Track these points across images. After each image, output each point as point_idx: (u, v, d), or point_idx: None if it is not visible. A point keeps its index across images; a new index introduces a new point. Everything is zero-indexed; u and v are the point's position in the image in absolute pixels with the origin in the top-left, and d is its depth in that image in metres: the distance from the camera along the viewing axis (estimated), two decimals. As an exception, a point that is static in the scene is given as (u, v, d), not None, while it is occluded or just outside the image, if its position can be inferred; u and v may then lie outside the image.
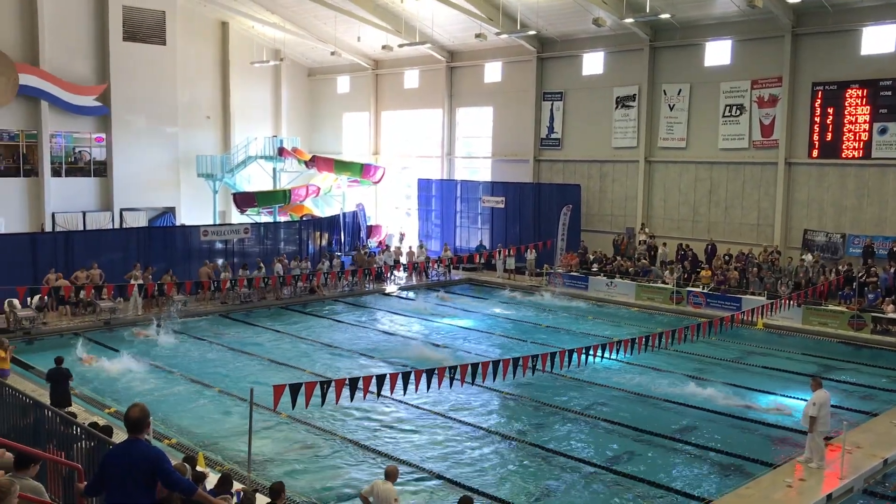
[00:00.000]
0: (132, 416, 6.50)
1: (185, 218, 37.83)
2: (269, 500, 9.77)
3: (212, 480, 10.31)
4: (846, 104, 26.72)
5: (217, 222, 38.16)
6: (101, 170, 36.61)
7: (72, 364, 17.73)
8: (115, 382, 18.32)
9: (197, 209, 39.38)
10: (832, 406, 13.79)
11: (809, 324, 24.50)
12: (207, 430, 15.36)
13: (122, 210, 36.48)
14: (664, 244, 30.36)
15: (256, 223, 34.32)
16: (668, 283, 28.06)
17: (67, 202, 35.14)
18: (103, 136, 36.43)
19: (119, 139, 36.46)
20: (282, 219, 37.73)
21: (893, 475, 13.17)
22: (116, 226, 35.31)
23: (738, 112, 29.34)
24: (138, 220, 36.24)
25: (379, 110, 43.27)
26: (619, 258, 30.59)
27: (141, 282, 25.03)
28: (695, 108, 30.65)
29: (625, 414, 16.53)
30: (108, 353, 20.88)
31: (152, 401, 16.86)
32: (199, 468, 10.93)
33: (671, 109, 31.24)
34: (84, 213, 35.41)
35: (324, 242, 34.04)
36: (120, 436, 11.62)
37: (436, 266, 33.49)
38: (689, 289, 27.60)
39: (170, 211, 38.35)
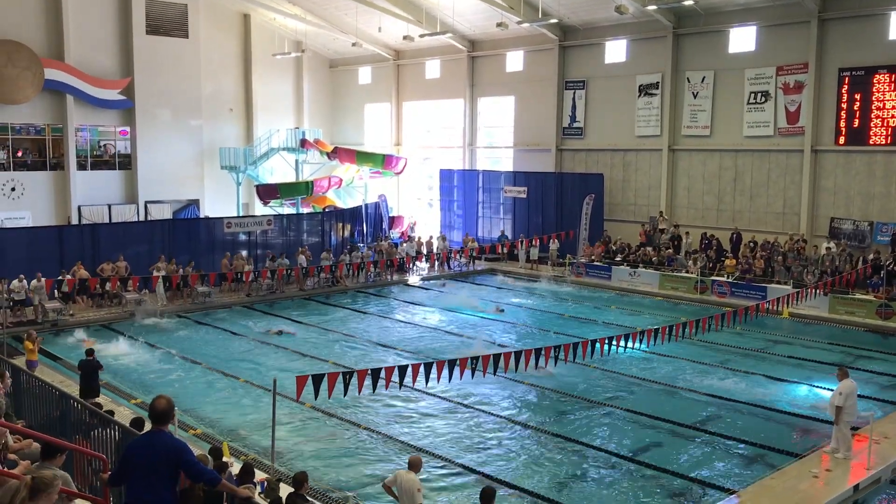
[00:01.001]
0: (159, 406, 6.53)
1: (208, 210, 38.09)
2: (292, 489, 9.83)
3: (235, 470, 10.39)
4: (874, 90, 26.28)
5: (240, 214, 38.38)
6: (126, 163, 36.94)
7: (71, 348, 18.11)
8: (140, 373, 18.54)
9: (220, 201, 39.65)
10: (859, 396, 13.62)
11: (836, 313, 24.21)
12: (232, 420, 15.49)
13: (146, 203, 36.81)
14: (686, 233, 30.10)
15: (279, 215, 34.49)
16: (692, 273, 27.84)
17: (93, 195, 35.52)
18: (128, 129, 36.75)
19: (143, 132, 36.77)
20: (304, 210, 37.89)
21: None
22: (141, 218, 35.65)
23: (764, 99, 28.98)
24: (163, 213, 36.59)
25: (400, 101, 43.24)
26: (645, 248, 30.33)
27: (164, 273, 25.26)
28: (719, 95, 30.31)
29: (648, 404, 16.44)
30: (128, 341, 21.15)
31: (177, 391, 17.07)
32: (224, 458, 11.03)
33: (695, 97, 30.91)
34: (109, 206, 35.77)
35: (346, 234, 34.13)
36: (147, 427, 11.78)
37: (458, 257, 33.47)
38: (713, 278, 27.37)
39: (194, 203, 38.64)
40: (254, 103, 42.79)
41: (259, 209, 39.30)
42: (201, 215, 36.90)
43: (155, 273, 25.17)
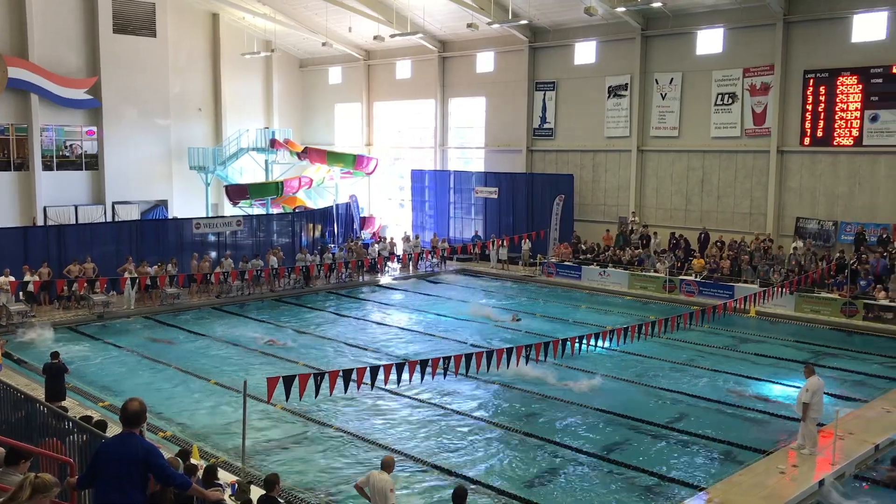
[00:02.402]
0: (131, 409, 6.46)
1: (177, 211, 37.74)
2: (263, 491, 9.78)
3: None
4: (838, 92, 26.75)
5: (209, 215, 38.07)
6: (93, 163, 36.46)
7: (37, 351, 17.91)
8: (108, 376, 18.31)
9: (189, 202, 39.28)
10: (825, 393, 13.86)
11: (802, 311, 24.60)
12: (201, 422, 15.37)
13: (114, 203, 36.37)
14: (655, 233, 30.41)
15: (249, 215, 34.27)
16: (660, 273, 28.12)
17: (59, 196, 35.01)
18: (94, 129, 36.27)
19: (110, 132, 36.32)
20: (274, 211, 37.68)
21: (885, 461, 13.24)
22: (109, 219, 35.20)
23: (731, 100, 29.36)
24: (131, 214, 36.18)
25: (371, 101, 43.17)
26: (615, 249, 30.56)
27: (135, 275, 25.00)
28: (687, 96, 30.66)
29: (618, 402, 16.57)
30: (100, 345, 20.90)
31: (146, 393, 16.87)
32: (193, 461, 10.94)
33: (663, 98, 31.23)
34: (76, 207, 35.29)
35: (317, 234, 33.99)
36: (115, 430, 11.64)
37: (428, 257, 33.49)
38: (681, 277, 27.67)
39: (162, 204, 38.26)
40: (223, 103, 42.46)
41: (228, 210, 39.00)
42: (170, 216, 36.55)
43: (126, 275, 24.88)
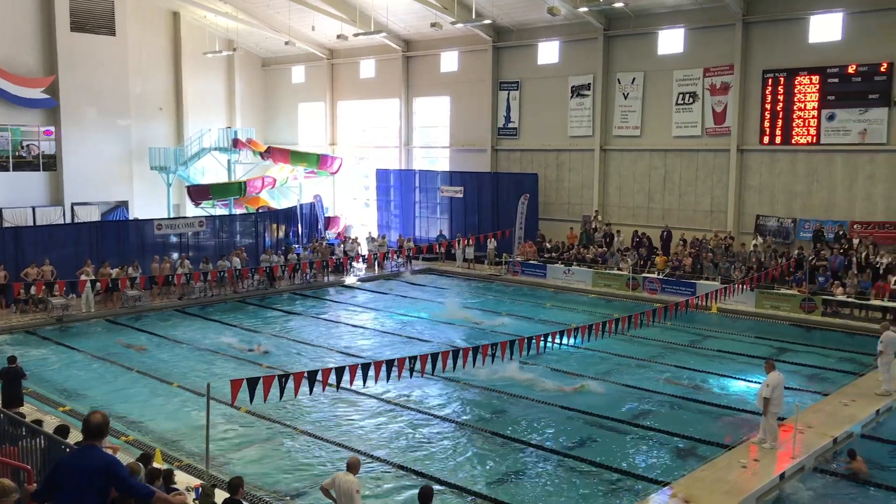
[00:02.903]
0: (93, 421, 6.34)
1: (138, 212, 37.22)
2: (227, 494, 9.68)
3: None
4: (795, 91, 27.22)
5: (171, 216, 37.58)
6: (51, 163, 35.78)
7: None
8: (68, 380, 17.99)
9: (150, 203, 38.75)
10: (785, 387, 14.09)
11: (762, 307, 25.00)
12: (164, 425, 15.17)
13: (73, 204, 35.73)
14: (618, 231, 30.71)
15: (212, 216, 33.89)
16: (624, 270, 28.38)
17: (16, 197, 34.27)
18: (52, 129, 35.59)
19: (69, 132, 35.68)
20: (237, 211, 37.33)
21: (842, 453, 13.50)
22: (68, 221, 34.57)
23: (691, 100, 29.73)
24: (90, 215, 35.54)
25: (335, 100, 42.97)
26: (581, 247, 30.78)
27: (93, 277, 24.59)
28: (649, 96, 30.97)
29: (583, 400, 16.69)
30: (59, 349, 20.54)
31: (107, 397, 16.67)
32: (156, 465, 10.80)
33: (625, 98, 31.52)
34: (33, 209, 34.56)
35: (281, 234, 33.73)
36: (76, 436, 11.44)
37: (394, 257, 33.43)
38: (644, 275, 27.96)
39: (123, 205, 37.68)
40: (184, 102, 41.96)
41: (190, 210, 38.54)
42: (130, 217, 36.03)
43: (83, 277, 24.46)
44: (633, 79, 31.17)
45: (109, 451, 10.29)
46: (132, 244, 28.22)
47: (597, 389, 17.37)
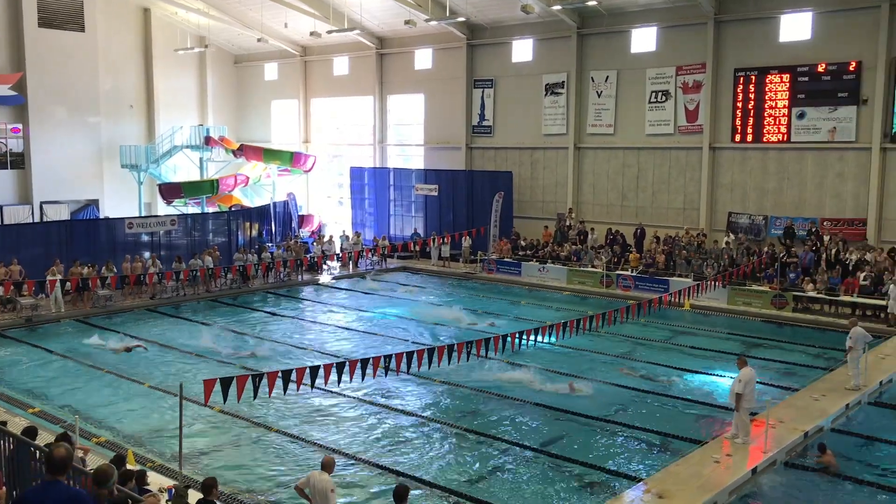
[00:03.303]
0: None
1: (109, 210, 36.77)
2: (201, 495, 9.59)
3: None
4: (766, 90, 27.51)
5: (143, 214, 37.16)
6: (19, 161, 35.24)
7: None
8: (38, 381, 17.72)
9: (121, 201, 38.26)
10: (757, 383, 14.23)
11: (734, 304, 25.24)
12: (136, 426, 15.00)
13: (42, 203, 35.24)
14: (592, 229, 30.87)
15: (184, 214, 33.56)
16: (598, 268, 28.53)
17: (-18, 196, 33.79)
18: (20, 126, 35.03)
19: (37, 130, 35.16)
20: (210, 210, 37.00)
21: (813, 447, 13.67)
22: (36, 220, 34.06)
23: (664, 98, 29.93)
24: (60, 214, 35.09)
25: (308, 98, 42.74)
26: (554, 245, 30.89)
27: (62, 277, 24.25)
28: (622, 94, 31.13)
29: (557, 397, 16.73)
30: (28, 350, 20.24)
31: (78, 398, 16.47)
32: (128, 466, 10.67)
33: (599, 96, 31.66)
34: (1, 207, 34.04)
35: (254, 233, 33.49)
36: (45, 437, 11.28)
37: (370, 255, 33.33)
38: (618, 272, 28.12)
39: (93, 203, 37.24)
40: (155, 100, 41.51)
41: (162, 209, 38.14)
42: (101, 216, 35.59)
43: (50, 277, 24.10)
44: (607, 77, 31.31)
45: (80, 453, 10.17)
46: (103, 243, 27.87)
47: (568, 386, 17.41)
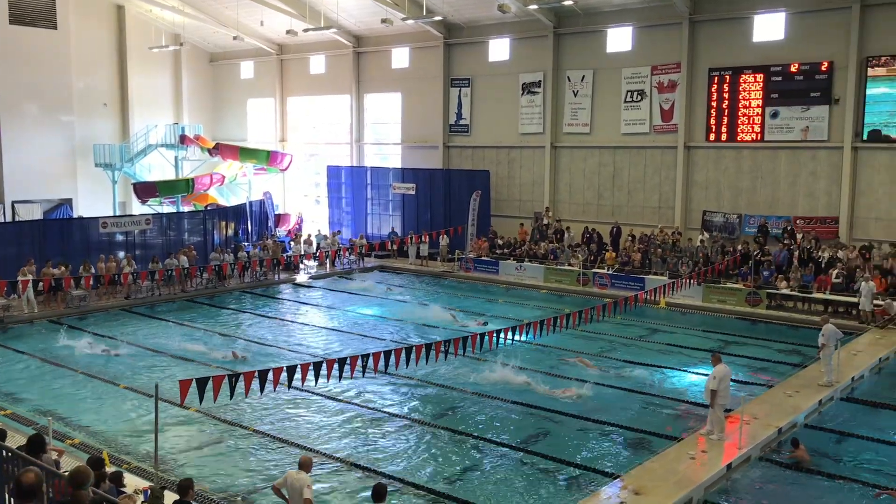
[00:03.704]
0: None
1: (82, 210, 36.33)
2: (177, 496, 9.53)
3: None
4: (740, 89, 27.78)
5: (117, 213, 36.80)
6: (-10, 160, 34.78)
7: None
8: (10, 383, 17.49)
9: (95, 200, 37.85)
10: (732, 380, 14.38)
11: (709, 301, 25.48)
12: (112, 427, 14.86)
13: (14, 203, 34.76)
14: (568, 228, 31.01)
15: (159, 214, 33.29)
16: (574, 266, 28.67)
17: (-47, 195, 33.29)
18: (-9, 125, 34.60)
19: (9, 128, 34.69)
20: (185, 209, 36.72)
21: (786, 443, 13.84)
22: (8, 219, 33.61)
23: (640, 97, 30.13)
24: (32, 213, 34.63)
25: (285, 96, 42.55)
26: (533, 243, 30.99)
27: (33, 277, 23.95)
28: (598, 93, 31.30)
29: (535, 395, 16.80)
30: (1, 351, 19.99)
31: (51, 399, 16.29)
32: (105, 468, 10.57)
33: (575, 95, 31.80)
34: (-28, 207, 33.63)
35: (230, 232, 33.27)
36: (15, 440, 11.15)
37: (347, 254, 33.25)
38: (594, 270, 28.28)
39: (66, 203, 36.80)
40: (130, 98, 41.13)
41: (137, 208, 37.80)
42: (75, 215, 35.18)
43: (22, 277, 23.78)
44: (583, 76, 31.46)
45: (55, 455, 10.07)
46: (77, 243, 27.56)
47: (548, 384, 17.48)
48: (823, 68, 26.14)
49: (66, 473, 7.26)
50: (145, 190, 36.69)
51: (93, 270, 25.23)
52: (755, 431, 13.91)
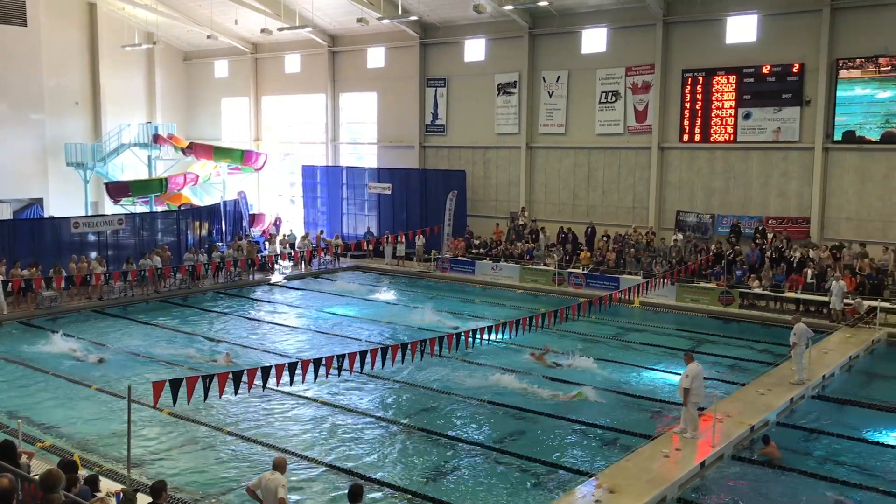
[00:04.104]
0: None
1: (53, 209, 35.91)
2: (150, 499, 9.44)
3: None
4: (714, 90, 28.04)
5: (89, 213, 36.37)
6: (-41, 160, 34.25)
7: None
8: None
9: (67, 200, 37.40)
10: (705, 378, 14.51)
11: (683, 301, 25.69)
12: (84, 430, 14.69)
13: (-17, 202, 34.30)
14: (543, 228, 31.13)
15: (131, 214, 32.95)
16: (550, 266, 28.79)
17: (-80, 195, 32.74)
18: (-41, 123, 34.08)
19: (-23, 127, 34.22)
20: (159, 209, 36.39)
21: (758, 440, 13.99)
22: (-23, 219, 33.12)
23: (614, 98, 30.31)
24: (2, 213, 34.13)
25: (259, 95, 42.30)
26: (508, 243, 31.06)
27: (3, 278, 23.62)
28: (573, 94, 31.44)
29: (510, 393, 16.84)
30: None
31: (21, 401, 16.07)
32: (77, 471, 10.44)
33: (550, 96, 31.93)
34: (-60, 207, 33.10)
35: (204, 232, 33.00)
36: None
37: (322, 255, 33.12)
38: (570, 270, 28.41)
39: (37, 202, 36.34)
40: (102, 97, 40.68)
41: (109, 208, 37.39)
42: (45, 215, 34.74)
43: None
44: (558, 77, 31.60)
45: (25, 458, 9.94)
46: (48, 243, 27.19)
47: (522, 383, 17.54)
48: (795, 70, 26.46)
49: (37, 477, 7.17)
50: (118, 189, 36.30)
51: (63, 273, 24.88)
52: (728, 429, 14.05)
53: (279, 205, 41.79)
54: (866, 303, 22.60)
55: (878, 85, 25.06)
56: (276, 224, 37.86)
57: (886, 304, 22.67)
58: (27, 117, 36.10)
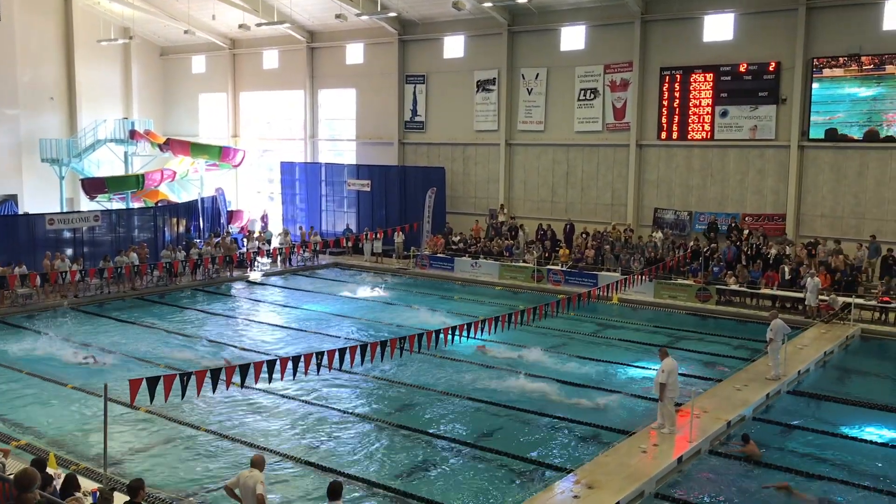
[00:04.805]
0: None
1: (28, 206, 35.50)
2: (127, 497, 9.36)
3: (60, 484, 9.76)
4: (691, 88, 28.24)
5: (64, 210, 35.99)
6: (-69, 155, 33.75)
7: None
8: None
9: (42, 196, 36.98)
10: (681, 374, 14.62)
11: (660, 297, 25.86)
12: (60, 429, 14.54)
13: (-45, 199, 33.84)
14: (522, 225, 31.19)
15: (108, 210, 32.63)
16: (529, 263, 28.87)
17: None
18: (-69, 118, 33.57)
19: (-50, 122, 33.74)
20: (135, 205, 36.08)
21: (736, 436, 14.12)
22: (-50, 215, 32.70)
23: (593, 96, 30.43)
24: (-25, 209, 33.76)
25: (237, 91, 42.04)
26: (487, 240, 31.10)
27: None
28: (552, 91, 31.54)
29: (490, 390, 16.89)
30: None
31: (-4, 402, 15.89)
32: (50, 469, 10.35)
33: (529, 93, 32.00)
34: (-88, 203, 32.60)
35: (181, 229, 32.76)
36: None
37: (301, 251, 33.00)
38: (548, 267, 28.50)
39: (11, 199, 35.90)
40: (78, 92, 40.22)
41: (85, 204, 37.01)
42: (20, 211, 34.33)
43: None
44: (537, 74, 31.67)
45: (0, 455, 9.83)
46: (22, 240, 26.87)
47: (502, 380, 17.59)
48: (771, 68, 26.70)
49: (12, 476, 7.10)
50: (94, 186, 35.96)
51: (25, 270, 24.50)
52: (705, 425, 14.17)
53: (263, 201, 41.56)
54: (841, 299, 22.87)
55: (860, 83, 25.35)
56: (264, 220, 37.69)
57: (860, 301, 22.97)
58: (1, 112, 35.65)
